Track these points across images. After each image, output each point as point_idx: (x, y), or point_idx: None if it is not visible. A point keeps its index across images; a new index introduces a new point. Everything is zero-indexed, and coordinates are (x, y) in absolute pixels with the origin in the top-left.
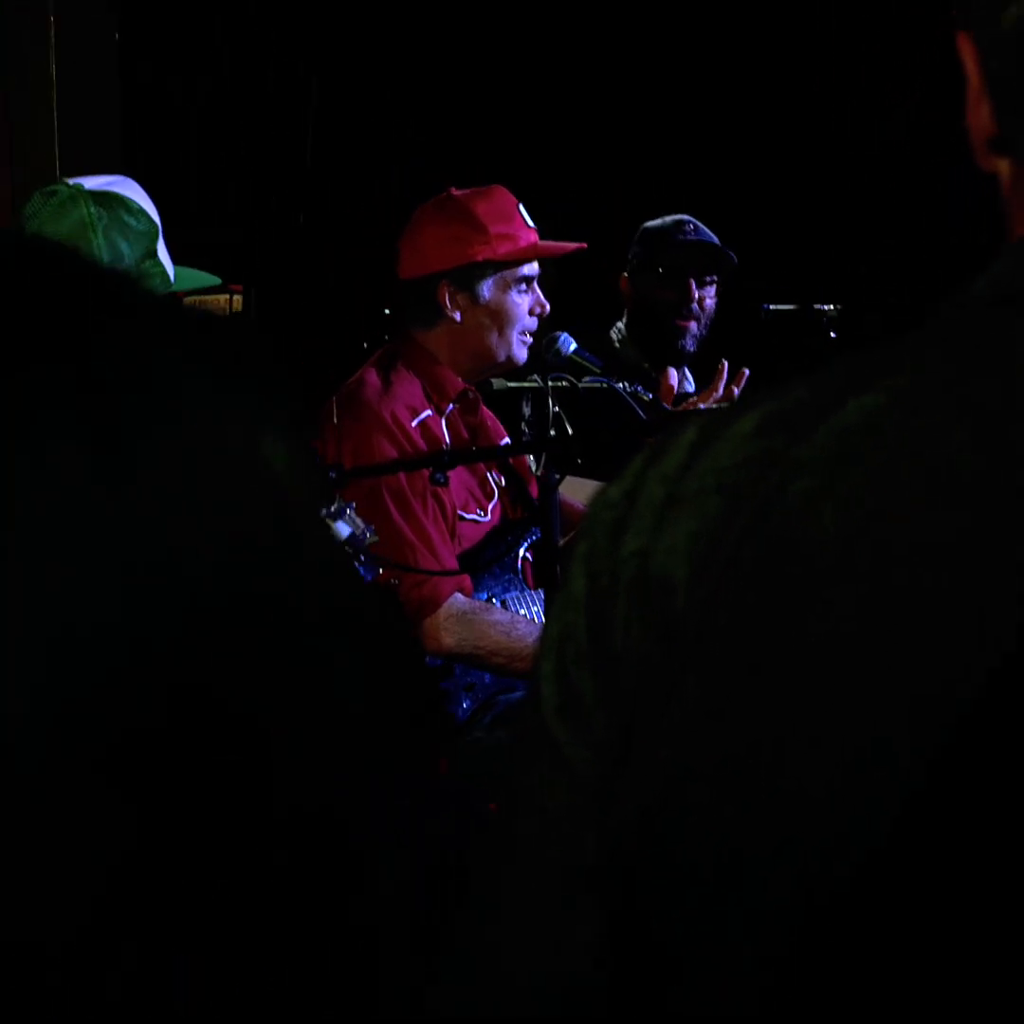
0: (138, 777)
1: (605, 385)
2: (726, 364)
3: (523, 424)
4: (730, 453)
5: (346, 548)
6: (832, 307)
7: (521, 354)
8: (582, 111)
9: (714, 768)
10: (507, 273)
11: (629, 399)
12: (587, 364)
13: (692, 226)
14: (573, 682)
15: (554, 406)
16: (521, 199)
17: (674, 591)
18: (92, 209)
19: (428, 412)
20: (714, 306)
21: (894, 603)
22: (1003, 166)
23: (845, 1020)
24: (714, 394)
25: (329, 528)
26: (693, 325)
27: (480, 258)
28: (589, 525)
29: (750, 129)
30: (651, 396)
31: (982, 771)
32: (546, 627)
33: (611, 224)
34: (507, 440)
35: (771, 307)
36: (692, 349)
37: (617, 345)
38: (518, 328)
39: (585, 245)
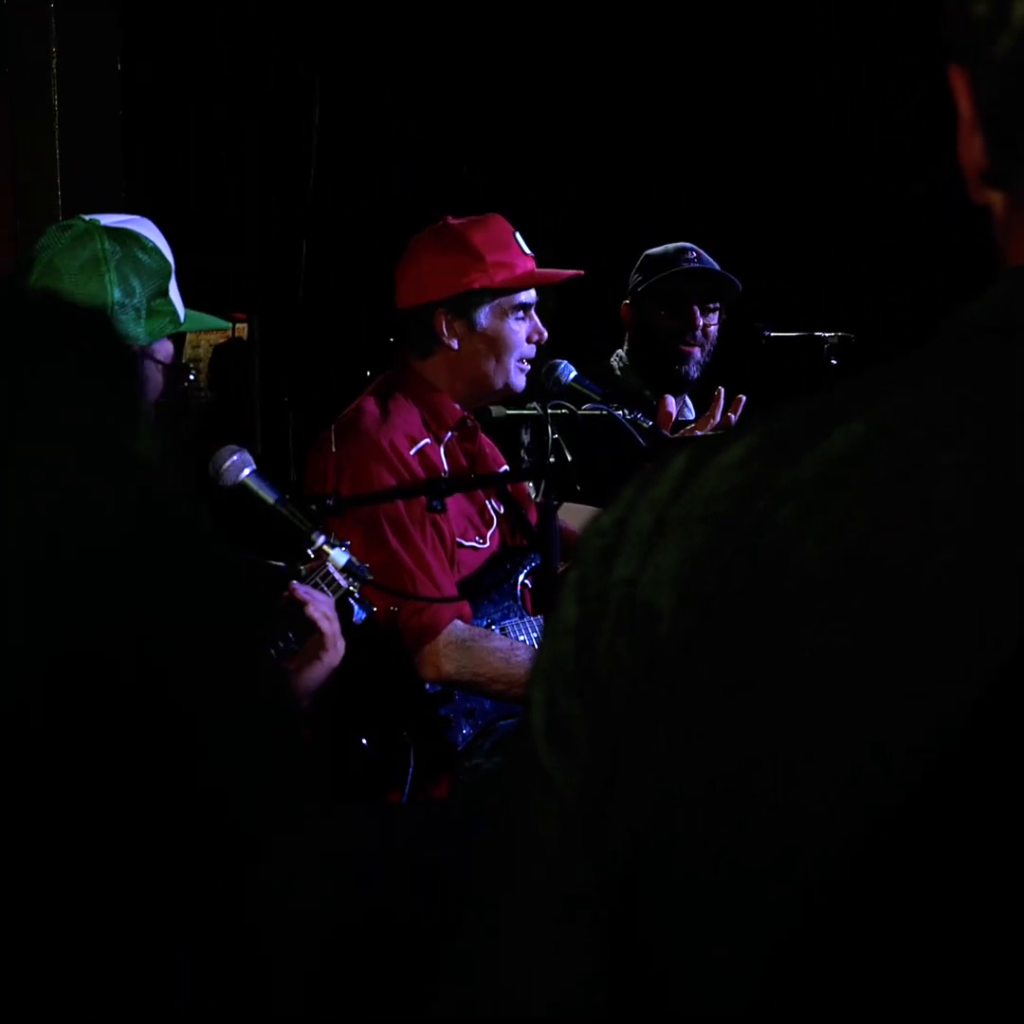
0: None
1: (605, 412)
2: (722, 391)
3: (522, 451)
4: (717, 482)
5: (342, 577)
6: (833, 334)
7: (519, 381)
8: (584, 135)
9: (705, 788)
10: (504, 301)
11: (628, 426)
12: (587, 391)
13: (694, 253)
14: (561, 708)
15: (553, 433)
16: (523, 223)
17: (659, 618)
18: (106, 244)
19: (426, 440)
20: (717, 333)
21: (885, 624)
22: (996, 199)
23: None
24: (712, 421)
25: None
26: (696, 352)
27: (477, 286)
28: (581, 552)
29: (753, 156)
30: (651, 423)
31: (977, 780)
32: (538, 654)
33: (611, 251)
34: (506, 467)
35: (772, 334)
36: (695, 376)
37: (618, 372)
38: (516, 355)
39: (582, 272)
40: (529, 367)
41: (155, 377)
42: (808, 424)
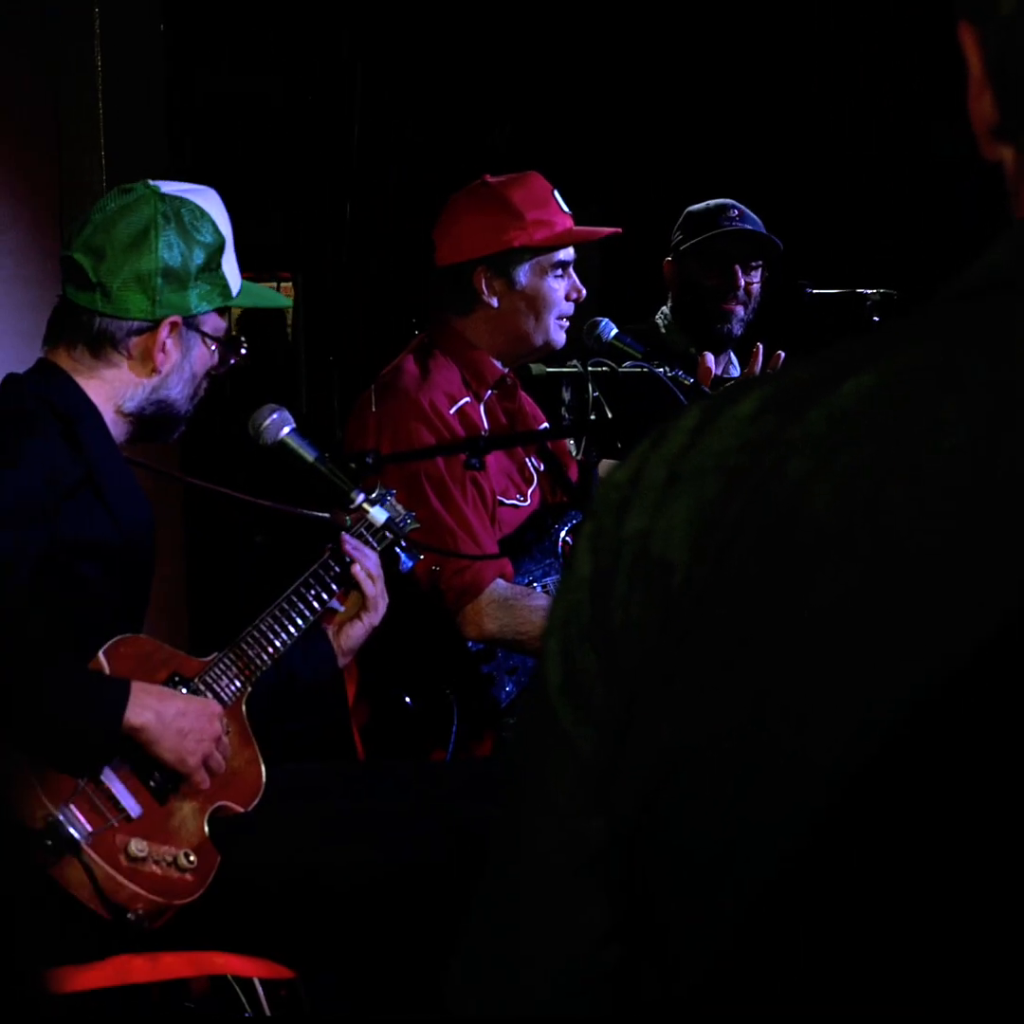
0: None
1: (645, 370)
2: (761, 347)
3: (563, 409)
4: (729, 436)
5: (385, 532)
6: (876, 291)
7: (558, 338)
8: (626, 91)
9: (717, 739)
10: (543, 258)
11: (669, 383)
12: (628, 349)
13: (736, 211)
14: (576, 660)
15: (594, 391)
16: (565, 180)
17: (672, 570)
18: (161, 210)
19: (466, 399)
20: (760, 290)
21: (894, 574)
22: (1007, 154)
23: (835, 977)
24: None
25: None
26: (739, 309)
27: (516, 244)
28: (596, 506)
29: (797, 110)
30: (692, 380)
31: (982, 734)
32: (553, 607)
33: (655, 207)
34: (546, 425)
35: (814, 291)
36: (738, 333)
37: (663, 330)
38: (555, 313)
39: (620, 229)
40: (567, 324)
41: (200, 348)
42: (817, 378)
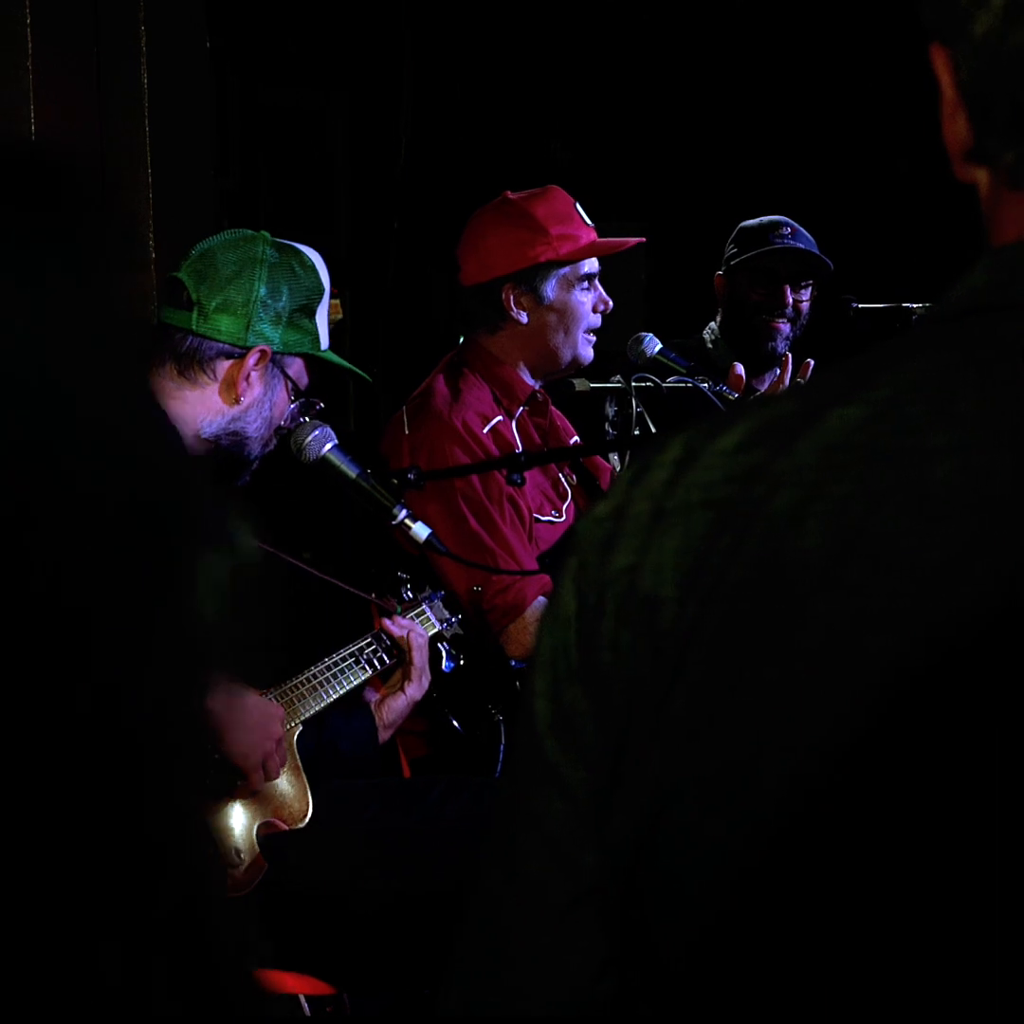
0: None
1: (690, 385)
2: (790, 356)
3: (606, 424)
4: (714, 469)
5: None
6: (921, 305)
7: (587, 353)
8: (677, 107)
9: (704, 777)
10: (570, 272)
11: (713, 398)
12: (672, 364)
13: (789, 228)
14: (566, 700)
15: (638, 406)
16: (614, 196)
17: (661, 607)
18: (267, 250)
19: (499, 418)
20: (809, 309)
21: (882, 610)
22: (981, 176)
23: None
24: (781, 387)
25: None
26: (785, 327)
27: (543, 259)
28: (579, 541)
29: (844, 126)
30: (736, 395)
31: (970, 772)
32: (538, 643)
33: (706, 221)
34: (576, 439)
35: (860, 305)
36: (783, 351)
37: (709, 345)
38: (583, 326)
39: (644, 239)
40: (595, 339)
41: (282, 393)
42: (803, 409)
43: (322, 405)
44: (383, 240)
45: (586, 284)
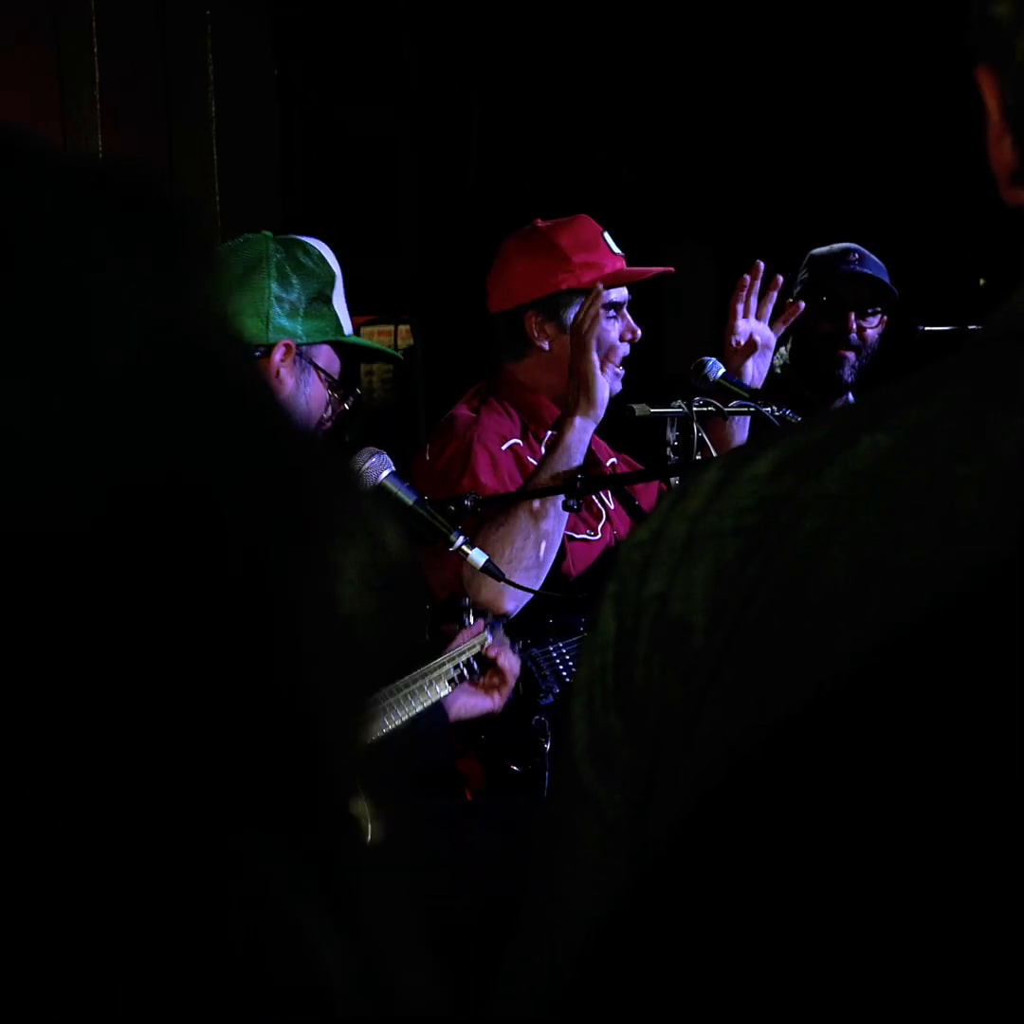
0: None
1: (752, 410)
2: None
3: (668, 449)
4: (747, 494)
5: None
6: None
7: (613, 384)
8: (746, 132)
9: (734, 802)
10: None
11: (776, 423)
12: (735, 388)
13: (857, 255)
14: (601, 724)
15: (699, 431)
16: (682, 223)
17: (692, 632)
18: (271, 247)
19: (516, 440)
20: (877, 337)
21: (905, 642)
22: None
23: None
24: None
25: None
26: (851, 356)
27: (564, 287)
28: (619, 566)
29: (909, 151)
30: (800, 420)
31: (992, 806)
32: (578, 667)
33: (780, 249)
34: (613, 460)
35: (926, 328)
36: (850, 380)
37: (778, 370)
38: (606, 353)
39: (672, 269)
40: (623, 371)
41: (315, 385)
42: (833, 436)
43: (359, 391)
44: (453, 266)
45: (612, 312)
